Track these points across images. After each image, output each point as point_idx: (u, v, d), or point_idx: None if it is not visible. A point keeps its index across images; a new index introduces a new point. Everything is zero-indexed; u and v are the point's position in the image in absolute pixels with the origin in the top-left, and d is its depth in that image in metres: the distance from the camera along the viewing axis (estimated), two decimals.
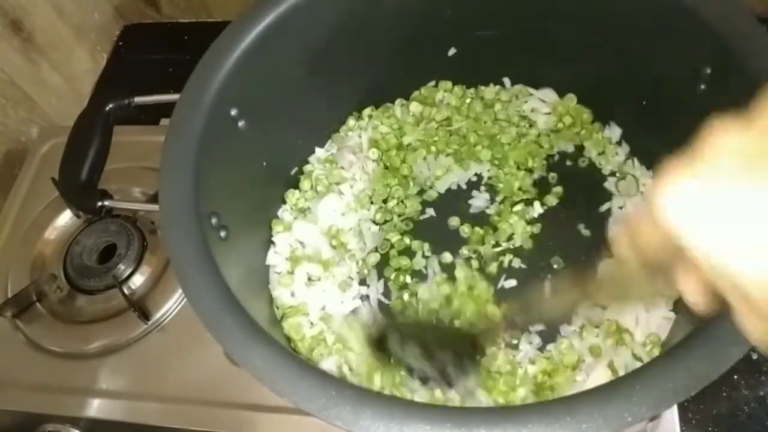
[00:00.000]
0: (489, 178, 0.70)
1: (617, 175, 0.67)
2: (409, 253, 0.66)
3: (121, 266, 0.70)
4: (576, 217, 0.66)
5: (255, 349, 0.41)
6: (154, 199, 0.64)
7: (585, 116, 0.70)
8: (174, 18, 1.03)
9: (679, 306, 0.57)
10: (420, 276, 0.64)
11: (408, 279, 0.64)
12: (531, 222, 0.66)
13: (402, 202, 0.69)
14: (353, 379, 0.56)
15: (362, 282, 0.65)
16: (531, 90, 0.73)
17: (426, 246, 0.66)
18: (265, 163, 0.64)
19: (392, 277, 0.64)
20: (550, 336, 0.59)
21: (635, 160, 0.68)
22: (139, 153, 0.77)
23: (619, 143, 0.69)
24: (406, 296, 0.63)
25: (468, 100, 0.73)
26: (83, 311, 0.69)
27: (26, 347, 0.68)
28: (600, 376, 0.55)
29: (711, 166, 0.24)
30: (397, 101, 0.74)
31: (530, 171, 0.69)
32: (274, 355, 0.40)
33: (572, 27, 0.63)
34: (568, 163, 0.70)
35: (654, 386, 0.36)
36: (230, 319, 0.43)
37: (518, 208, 0.66)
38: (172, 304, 0.68)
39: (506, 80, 0.74)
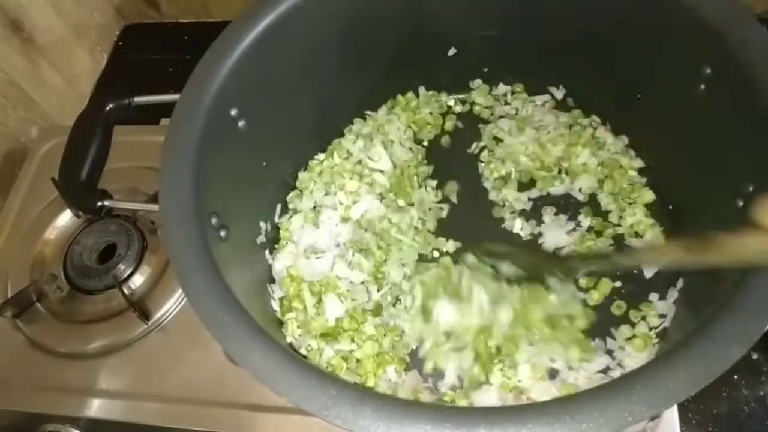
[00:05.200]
0: None
1: None
2: None
3: (121, 266, 0.70)
4: None
5: (255, 348, 0.41)
6: (154, 199, 0.64)
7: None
8: (174, 18, 1.03)
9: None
10: None
11: None
12: None
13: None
14: None
15: None
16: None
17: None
18: (265, 163, 0.64)
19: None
20: None
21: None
22: (139, 153, 0.77)
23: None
24: None
25: None
26: (83, 311, 0.69)
27: (26, 347, 0.68)
28: None
29: None
30: None
31: None
32: (274, 354, 0.40)
33: (572, 27, 0.63)
34: None
35: (654, 386, 0.36)
36: (230, 319, 0.43)
37: None
38: (172, 304, 0.68)
39: None
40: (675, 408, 0.56)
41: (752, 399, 0.59)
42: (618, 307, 0.60)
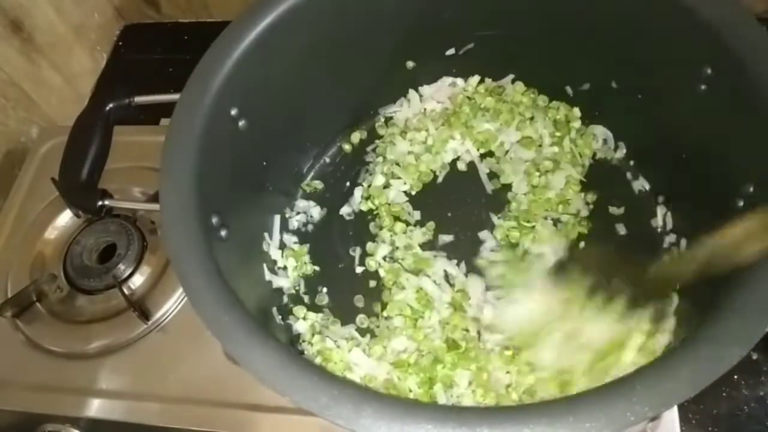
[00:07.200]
0: None
1: None
2: None
3: (121, 266, 0.70)
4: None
5: (256, 348, 0.41)
6: (154, 198, 0.64)
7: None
8: (174, 18, 1.03)
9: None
10: None
11: None
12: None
13: None
14: None
15: None
16: None
17: None
18: (265, 163, 0.64)
19: None
20: None
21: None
22: (139, 153, 0.77)
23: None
24: None
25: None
26: (83, 311, 0.69)
27: (26, 347, 0.68)
28: None
29: None
30: None
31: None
32: (275, 354, 0.40)
33: (572, 27, 0.63)
34: None
35: (656, 386, 0.36)
36: (231, 319, 0.43)
37: None
38: (172, 304, 0.68)
39: None
40: (675, 408, 0.56)
41: (752, 399, 0.59)
42: None
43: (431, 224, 0.68)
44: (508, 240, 0.65)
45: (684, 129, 0.58)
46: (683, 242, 0.61)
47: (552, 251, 0.63)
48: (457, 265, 0.65)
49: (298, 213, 0.71)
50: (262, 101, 0.60)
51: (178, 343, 0.66)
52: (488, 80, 0.75)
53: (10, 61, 0.83)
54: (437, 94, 0.75)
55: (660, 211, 0.65)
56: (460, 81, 0.75)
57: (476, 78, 0.75)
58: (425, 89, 0.76)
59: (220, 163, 0.55)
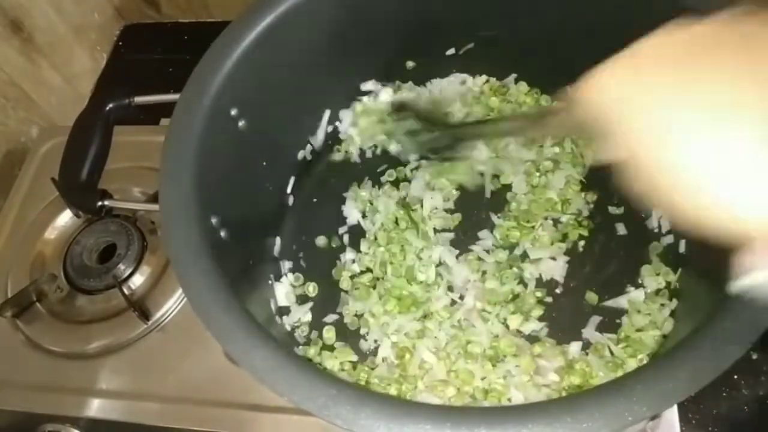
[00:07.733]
0: None
1: None
2: None
3: (121, 266, 0.70)
4: None
5: (255, 348, 0.41)
6: (154, 199, 0.64)
7: None
8: (174, 18, 1.03)
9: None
10: None
11: None
12: None
13: None
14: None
15: None
16: None
17: None
18: (264, 163, 0.64)
19: None
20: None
21: None
22: (139, 153, 0.77)
23: None
24: None
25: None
26: (83, 311, 0.69)
27: (26, 347, 0.68)
28: None
29: (640, 64, 0.28)
30: None
31: None
32: (274, 354, 0.40)
33: (572, 27, 0.63)
34: None
35: (655, 385, 0.36)
36: (230, 319, 0.43)
37: None
38: (172, 304, 0.68)
39: None
40: (675, 408, 0.56)
41: (752, 399, 0.59)
42: None
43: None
44: (508, 240, 0.65)
45: None
46: (682, 243, 0.61)
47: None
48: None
49: None
50: (262, 101, 0.60)
51: (178, 343, 0.66)
52: (492, 80, 0.75)
53: (10, 61, 0.83)
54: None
55: (657, 212, 0.65)
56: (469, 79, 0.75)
57: (483, 78, 0.75)
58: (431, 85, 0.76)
59: (220, 163, 0.55)
